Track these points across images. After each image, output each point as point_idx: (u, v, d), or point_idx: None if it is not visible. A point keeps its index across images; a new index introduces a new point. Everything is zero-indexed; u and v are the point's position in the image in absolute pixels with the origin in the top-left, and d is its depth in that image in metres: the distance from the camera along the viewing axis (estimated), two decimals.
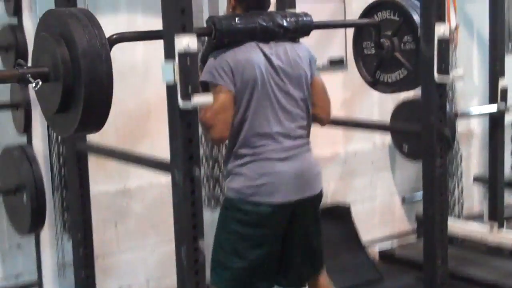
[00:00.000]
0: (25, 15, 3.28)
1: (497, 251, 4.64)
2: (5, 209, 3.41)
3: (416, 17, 3.12)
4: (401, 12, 3.23)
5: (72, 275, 3.26)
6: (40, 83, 2.19)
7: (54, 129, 2.51)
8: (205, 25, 2.72)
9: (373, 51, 3.44)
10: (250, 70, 2.66)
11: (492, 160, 4.54)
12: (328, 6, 4.63)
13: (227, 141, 2.76)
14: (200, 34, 2.78)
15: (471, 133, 5.54)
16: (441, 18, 2.73)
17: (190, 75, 2.16)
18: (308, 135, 2.87)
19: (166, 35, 2.19)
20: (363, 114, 4.73)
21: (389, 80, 3.39)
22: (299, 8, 3.45)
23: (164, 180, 3.92)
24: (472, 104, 5.43)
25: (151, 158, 2.54)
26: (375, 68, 3.45)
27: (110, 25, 3.80)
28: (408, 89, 3.46)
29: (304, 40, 3.54)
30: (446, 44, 2.72)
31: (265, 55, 2.72)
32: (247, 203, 2.68)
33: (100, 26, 2.17)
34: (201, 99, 2.15)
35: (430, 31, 2.72)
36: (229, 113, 2.65)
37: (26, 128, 3.35)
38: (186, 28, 2.15)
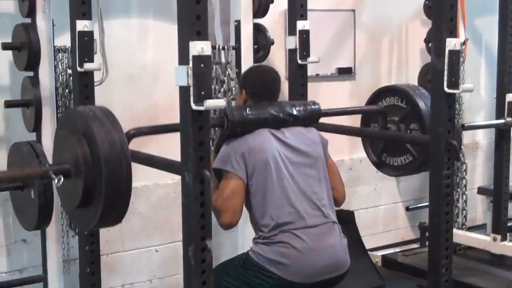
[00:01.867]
0: (39, 15, 3.30)
1: (499, 261, 4.66)
2: (12, 204, 3.43)
3: (423, 106, 3.23)
4: (408, 101, 3.33)
5: (76, 271, 3.30)
6: (62, 179, 2.28)
7: (74, 222, 2.60)
8: (215, 32, 2.76)
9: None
10: (263, 155, 2.74)
11: (497, 172, 4.56)
12: (338, 15, 4.66)
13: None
14: (213, 125, 2.92)
15: (476, 145, 5.56)
16: (452, 32, 2.76)
17: (203, 79, 2.18)
18: (331, 212, 2.87)
19: (181, 40, 2.21)
20: None
21: (395, 164, 3.46)
22: (310, 18, 3.49)
23: (170, 180, 3.99)
24: (478, 118, 5.46)
25: (162, 159, 2.57)
26: (381, 151, 3.52)
27: (122, 28, 3.88)
28: (412, 173, 3.54)
29: (313, 49, 3.60)
30: (456, 57, 2.74)
31: (277, 138, 2.81)
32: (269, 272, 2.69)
33: (122, 130, 2.27)
34: (213, 103, 2.17)
35: (441, 45, 2.75)
36: (239, 199, 2.72)
37: (36, 126, 3.37)
38: (201, 33, 2.17)
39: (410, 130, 3.33)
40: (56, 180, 2.28)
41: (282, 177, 2.75)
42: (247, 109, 2.81)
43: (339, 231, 2.85)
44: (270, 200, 2.72)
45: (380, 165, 3.55)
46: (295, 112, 2.90)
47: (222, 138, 2.86)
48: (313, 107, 3.01)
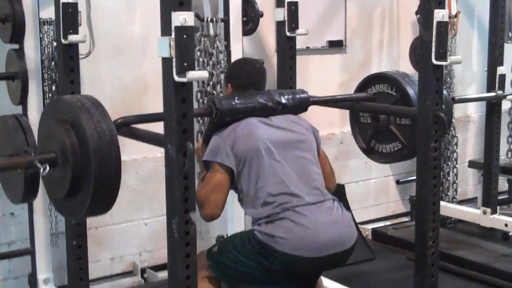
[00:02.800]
0: None
1: (490, 234, 4.68)
2: None
3: (413, 94, 3.19)
4: (398, 88, 3.29)
5: (64, 244, 3.29)
6: (48, 168, 2.27)
7: (61, 212, 2.58)
8: (204, 4, 2.72)
9: (369, 120, 3.50)
10: (253, 142, 2.72)
11: (487, 145, 4.56)
12: None
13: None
14: (201, 114, 2.93)
15: (467, 118, 5.55)
16: (440, 3, 2.73)
17: (186, 50, 2.16)
18: (326, 191, 2.86)
19: (163, 10, 2.19)
20: None
21: (384, 151, 3.45)
22: None
23: (159, 154, 3.97)
24: (470, 91, 5.45)
25: (145, 131, 2.55)
26: (370, 137, 3.51)
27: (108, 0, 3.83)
28: (400, 161, 3.53)
29: (304, 22, 3.57)
30: (444, 29, 2.71)
31: (266, 124, 2.80)
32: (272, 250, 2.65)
33: (111, 120, 2.27)
34: (196, 74, 2.15)
35: (429, 16, 2.72)
36: (223, 194, 2.71)
37: (22, 99, 3.34)
38: (183, 3, 2.14)
39: (400, 118, 3.31)
40: (41, 169, 2.27)
41: (275, 162, 2.73)
42: (235, 98, 2.80)
43: (340, 206, 2.83)
44: (265, 185, 2.70)
45: (369, 152, 3.54)
46: (283, 101, 2.90)
47: (211, 127, 2.84)
48: (301, 95, 3.00)
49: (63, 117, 2.29)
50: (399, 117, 3.30)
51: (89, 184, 2.19)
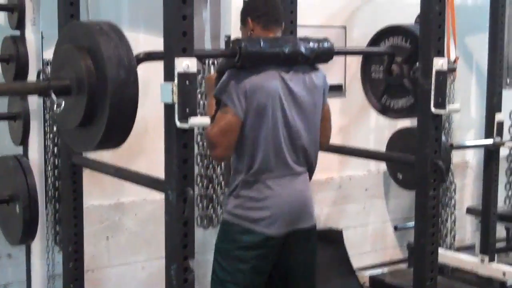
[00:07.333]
0: (28, 28, 3.29)
1: (487, 283, 4.64)
2: None
3: None
4: (413, 40, 3.18)
5: (61, 286, 3.26)
6: (63, 104, 2.20)
7: (72, 145, 2.48)
8: (206, 47, 2.74)
9: (381, 76, 3.44)
10: (264, 97, 2.75)
11: (485, 192, 4.55)
12: (329, 32, 4.66)
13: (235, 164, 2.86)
14: (223, 55, 2.88)
15: (466, 164, 5.56)
16: (440, 52, 2.76)
17: (188, 96, 2.17)
18: (310, 164, 2.96)
19: (166, 57, 2.21)
20: (359, 141, 4.75)
21: (396, 106, 3.39)
22: (302, 34, 3.48)
23: (158, 197, 3.93)
24: (468, 136, 5.46)
25: (146, 176, 2.55)
26: (382, 93, 3.45)
27: None
28: (414, 116, 3.45)
29: None
30: (444, 78, 2.74)
31: (283, 82, 2.80)
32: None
33: (130, 47, 2.17)
34: (197, 120, 2.17)
35: (428, 64, 2.75)
36: (234, 135, 2.75)
37: (23, 139, 3.35)
38: (187, 50, 2.17)
39: (413, 71, 3.18)
40: (56, 105, 2.19)
41: (277, 124, 2.79)
42: (262, 42, 2.76)
43: (307, 180, 2.95)
44: (260, 143, 2.77)
45: (380, 108, 3.48)
46: (307, 52, 2.85)
47: (229, 64, 2.81)
48: (326, 44, 2.94)
49: (80, 42, 2.21)
50: (413, 72, 3.18)
51: (104, 112, 2.10)
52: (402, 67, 3.27)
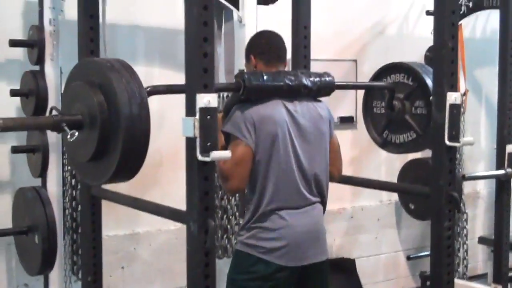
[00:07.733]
0: (47, 63, 3.37)
1: None
2: (16, 249, 3.45)
3: (430, 83, 3.17)
4: (416, 78, 3.29)
5: None
6: (76, 134, 2.25)
7: (84, 178, 2.53)
8: (220, 81, 2.78)
9: (383, 111, 3.51)
10: (273, 127, 2.77)
11: (497, 222, 4.57)
12: (341, 65, 4.74)
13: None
14: (228, 89, 2.90)
15: (476, 194, 5.59)
16: (453, 86, 2.82)
17: (209, 131, 2.22)
18: (323, 195, 2.96)
19: (188, 92, 2.27)
20: (370, 172, 4.80)
21: (397, 141, 3.44)
22: (313, 67, 3.55)
23: (172, 226, 4.01)
24: (479, 167, 5.51)
25: (167, 207, 2.59)
26: (383, 128, 3.51)
27: None
28: (415, 151, 3.52)
29: None
30: (457, 111, 2.80)
31: (289, 112, 2.83)
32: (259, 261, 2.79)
33: (141, 83, 2.25)
34: (218, 154, 2.22)
35: (442, 99, 2.81)
36: (247, 166, 2.75)
37: (42, 172, 3.40)
38: (208, 86, 2.22)
39: (415, 107, 3.29)
40: (69, 135, 2.24)
41: (288, 153, 2.79)
42: (265, 76, 2.80)
43: (321, 212, 2.95)
44: (272, 172, 2.77)
45: (381, 142, 3.52)
46: (309, 84, 2.90)
47: (234, 100, 2.85)
48: (327, 79, 2.98)
49: (91, 78, 2.26)
50: (415, 108, 3.30)
51: (116, 146, 2.15)
52: (403, 103, 3.36)
